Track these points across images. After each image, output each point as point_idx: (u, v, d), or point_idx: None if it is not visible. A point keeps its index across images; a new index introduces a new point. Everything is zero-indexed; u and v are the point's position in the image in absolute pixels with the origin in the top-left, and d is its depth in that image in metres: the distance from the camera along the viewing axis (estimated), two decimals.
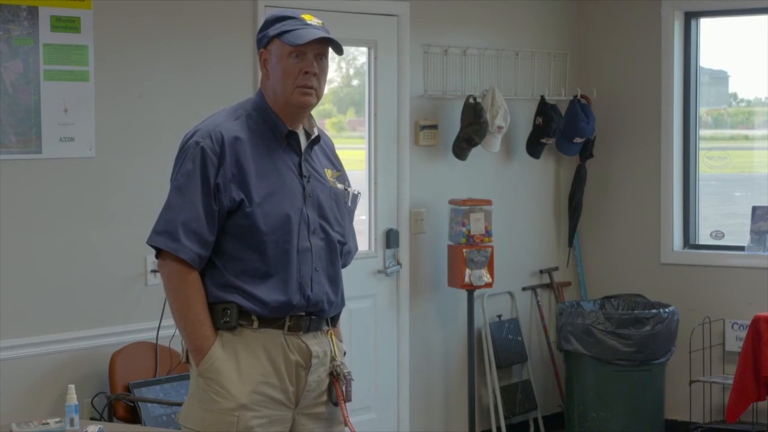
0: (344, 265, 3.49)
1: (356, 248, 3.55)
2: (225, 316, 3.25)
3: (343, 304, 3.44)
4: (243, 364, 3.24)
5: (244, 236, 3.24)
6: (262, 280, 3.25)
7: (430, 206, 6.68)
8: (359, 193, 3.49)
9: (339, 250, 3.40)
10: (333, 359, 3.35)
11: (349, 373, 3.35)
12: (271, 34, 3.30)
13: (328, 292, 3.34)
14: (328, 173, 3.41)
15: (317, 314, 3.32)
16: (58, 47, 5.04)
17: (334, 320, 3.43)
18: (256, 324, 3.26)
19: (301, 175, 3.32)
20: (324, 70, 3.32)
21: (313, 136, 3.39)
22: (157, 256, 3.28)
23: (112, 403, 4.99)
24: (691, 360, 6.89)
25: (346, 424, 3.37)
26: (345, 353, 3.47)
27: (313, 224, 3.31)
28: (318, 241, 3.32)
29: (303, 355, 3.29)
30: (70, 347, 5.09)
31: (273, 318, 3.26)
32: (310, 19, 3.31)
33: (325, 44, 3.29)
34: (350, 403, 3.39)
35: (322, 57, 3.30)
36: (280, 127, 3.32)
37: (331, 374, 3.34)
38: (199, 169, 3.22)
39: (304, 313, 3.29)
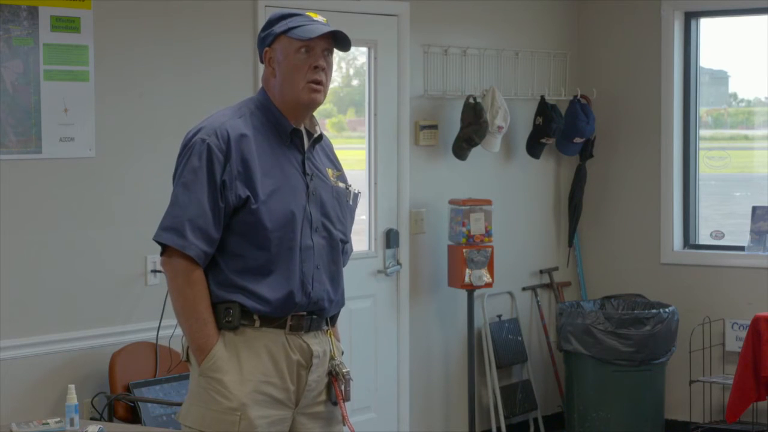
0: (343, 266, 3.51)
1: (352, 249, 3.56)
2: (227, 316, 3.25)
3: (342, 303, 3.44)
4: (245, 364, 3.24)
5: (249, 233, 3.24)
6: (264, 277, 3.25)
7: (430, 206, 6.68)
8: (360, 192, 3.50)
9: (341, 249, 3.40)
10: (332, 358, 3.35)
11: (348, 372, 3.36)
12: (277, 31, 3.30)
13: (328, 290, 3.34)
14: (330, 173, 3.41)
15: (317, 313, 3.32)
16: (58, 47, 5.04)
17: (333, 319, 3.43)
18: (258, 323, 3.25)
19: (304, 173, 3.33)
20: (330, 66, 3.33)
21: (315, 135, 3.39)
22: (162, 253, 3.27)
23: (112, 403, 4.99)
24: (691, 360, 6.89)
25: (344, 424, 3.37)
26: (343, 353, 3.47)
27: (316, 222, 3.31)
28: (320, 239, 3.32)
29: (304, 354, 3.29)
30: (70, 347, 5.09)
31: (275, 317, 3.26)
32: (316, 16, 3.33)
33: (332, 40, 3.30)
34: (350, 403, 3.39)
35: (329, 53, 3.31)
36: (284, 125, 3.32)
37: (330, 374, 3.34)
38: (206, 166, 3.22)
39: (305, 313, 3.29)
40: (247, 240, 3.24)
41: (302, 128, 3.38)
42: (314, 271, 3.30)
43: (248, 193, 3.22)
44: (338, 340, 3.45)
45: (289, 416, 3.30)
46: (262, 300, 3.24)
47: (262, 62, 3.38)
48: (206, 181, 3.21)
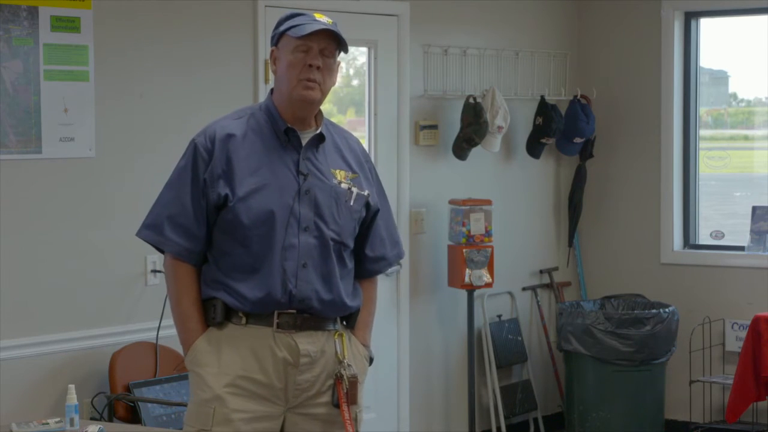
0: (377, 272, 3.50)
1: (397, 255, 3.54)
2: (212, 312, 3.31)
3: (343, 304, 3.39)
4: (224, 358, 3.28)
5: (231, 231, 3.28)
6: (248, 275, 3.28)
7: (430, 206, 6.67)
8: (368, 194, 3.44)
9: (337, 249, 3.37)
10: (340, 361, 3.33)
11: (353, 375, 3.34)
12: (280, 31, 3.35)
13: (317, 290, 3.31)
14: (340, 174, 3.39)
15: (309, 312, 3.31)
16: (58, 47, 5.04)
17: (348, 321, 3.41)
18: (243, 321, 3.29)
19: (298, 172, 3.33)
20: (329, 67, 3.33)
21: (316, 133, 3.38)
22: (161, 251, 3.38)
23: (112, 403, 4.99)
24: (691, 360, 6.89)
25: (345, 428, 3.34)
26: (371, 359, 3.46)
27: (306, 221, 3.31)
28: (310, 238, 3.31)
29: (292, 352, 3.28)
30: (70, 347, 5.09)
31: (258, 314, 3.28)
32: (321, 17, 3.34)
33: (331, 40, 3.31)
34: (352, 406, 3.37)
35: (329, 54, 3.32)
36: (279, 124, 3.34)
37: (336, 375, 3.33)
38: (190, 165, 3.31)
39: (295, 311, 3.29)
40: (231, 238, 3.29)
41: (311, 128, 3.38)
42: (299, 269, 3.29)
43: (227, 191, 3.26)
44: (364, 345, 3.44)
45: (277, 414, 3.29)
46: (241, 298, 3.27)
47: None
48: (189, 179, 3.30)
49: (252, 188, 3.27)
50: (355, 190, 3.40)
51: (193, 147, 3.31)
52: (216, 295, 3.29)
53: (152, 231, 3.33)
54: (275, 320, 3.28)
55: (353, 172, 3.42)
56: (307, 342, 3.30)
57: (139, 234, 3.38)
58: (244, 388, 3.26)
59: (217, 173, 3.27)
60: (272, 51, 3.38)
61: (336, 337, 3.36)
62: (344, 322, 3.42)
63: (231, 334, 3.29)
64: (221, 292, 3.29)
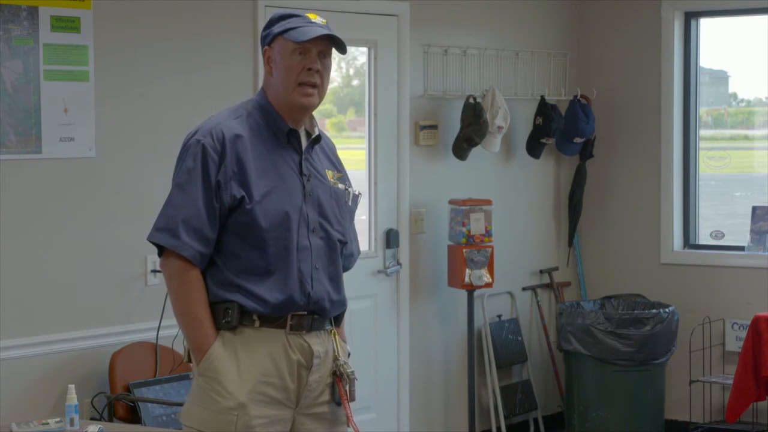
0: (347, 268, 3.50)
1: (359, 251, 3.56)
2: (226, 316, 3.25)
3: (344, 303, 3.43)
4: (243, 363, 3.24)
5: (245, 233, 3.24)
6: (262, 277, 3.25)
7: (430, 206, 6.68)
8: (360, 193, 3.49)
9: (340, 250, 3.40)
10: (336, 359, 3.35)
11: (352, 372, 3.35)
12: (275, 32, 3.32)
13: (329, 291, 3.34)
14: (329, 174, 3.41)
15: (319, 313, 3.32)
16: (58, 47, 5.04)
17: (337, 320, 3.43)
18: (257, 323, 3.25)
19: (301, 173, 3.33)
20: (327, 68, 3.33)
21: (313, 136, 3.39)
22: (159, 254, 3.28)
23: (112, 403, 4.99)
24: (691, 360, 6.89)
25: (349, 425, 3.36)
26: (349, 354, 3.47)
27: (313, 223, 3.31)
28: (317, 239, 3.32)
29: (305, 354, 3.29)
30: (70, 347, 5.09)
31: (274, 317, 3.26)
32: (315, 18, 3.33)
33: (329, 42, 3.31)
34: (350, 402, 3.39)
35: (326, 56, 3.32)
36: (280, 126, 3.33)
37: (334, 374, 3.34)
38: (201, 166, 3.23)
39: (306, 312, 3.29)
40: (244, 240, 3.25)
41: (302, 129, 3.38)
42: (313, 271, 3.30)
43: (243, 194, 3.23)
44: (344, 341, 3.45)
45: (289, 416, 3.29)
46: (261, 300, 3.24)
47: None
48: (201, 181, 3.22)
49: (266, 190, 3.25)
50: (351, 190, 3.43)
51: (202, 148, 3.23)
52: (231, 297, 3.24)
53: (167, 234, 3.22)
54: (289, 322, 3.27)
55: (338, 171, 3.45)
56: (317, 343, 3.31)
57: (151, 238, 3.26)
58: (264, 393, 3.24)
59: (229, 175, 3.22)
60: (265, 50, 3.34)
61: (332, 335, 3.38)
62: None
63: (245, 338, 3.25)
64: (237, 295, 3.24)
